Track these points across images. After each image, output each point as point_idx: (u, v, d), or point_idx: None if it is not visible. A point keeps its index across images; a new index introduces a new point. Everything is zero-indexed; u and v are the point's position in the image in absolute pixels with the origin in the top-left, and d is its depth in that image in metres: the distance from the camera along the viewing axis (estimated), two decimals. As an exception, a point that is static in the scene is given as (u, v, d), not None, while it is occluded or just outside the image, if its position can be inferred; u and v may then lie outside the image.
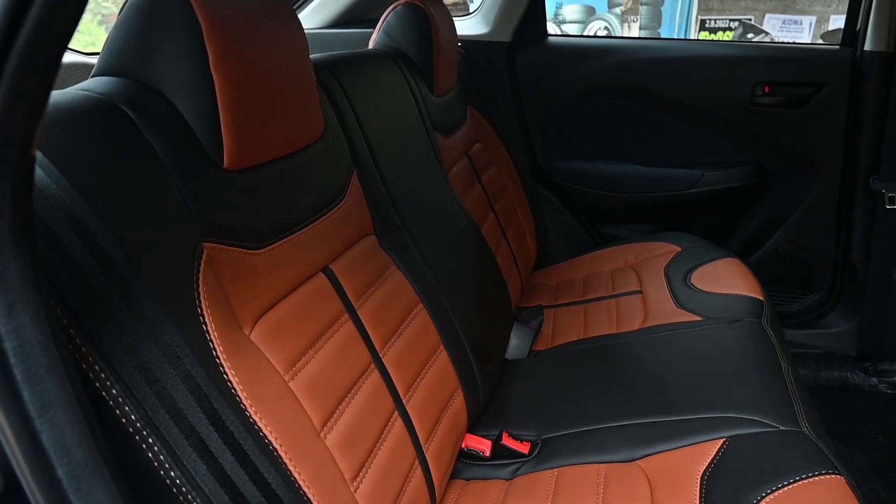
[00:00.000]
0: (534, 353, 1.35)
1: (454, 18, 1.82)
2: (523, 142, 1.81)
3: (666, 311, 1.34)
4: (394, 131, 1.07)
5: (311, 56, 0.97)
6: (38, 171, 0.47)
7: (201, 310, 0.56)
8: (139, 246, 0.51)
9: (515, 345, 1.35)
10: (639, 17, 4.85)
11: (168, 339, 0.51)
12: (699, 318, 1.26)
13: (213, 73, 0.61)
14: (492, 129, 1.65)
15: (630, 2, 4.77)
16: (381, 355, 0.82)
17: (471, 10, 1.84)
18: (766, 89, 1.67)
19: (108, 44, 0.62)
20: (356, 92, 0.98)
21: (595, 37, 1.80)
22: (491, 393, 1.12)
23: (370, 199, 0.94)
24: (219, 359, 0.56)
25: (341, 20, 1.70)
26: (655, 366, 1.15)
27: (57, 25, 0.31)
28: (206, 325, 0.56)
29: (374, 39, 1.31)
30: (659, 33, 4.90)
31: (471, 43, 1.73)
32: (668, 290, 1.42)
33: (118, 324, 0.48)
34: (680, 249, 1.61)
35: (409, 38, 1.26)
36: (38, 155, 0.47)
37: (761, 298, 1.30)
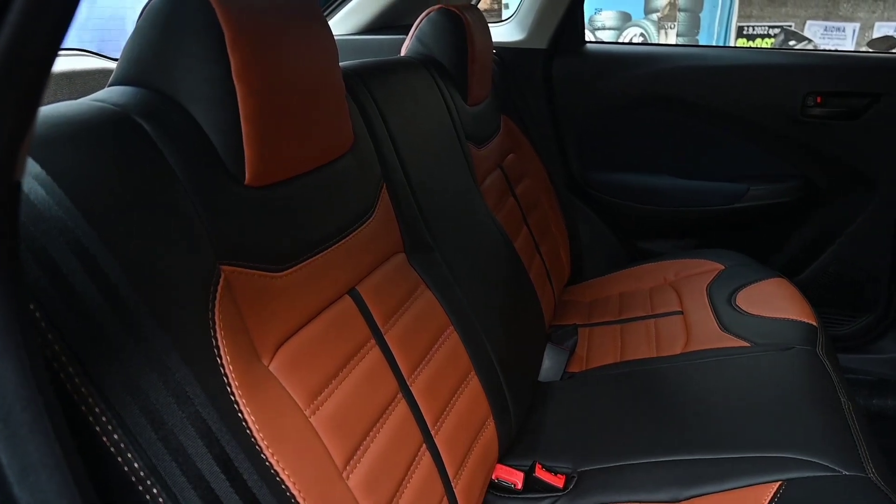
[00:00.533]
0: (567, 376, 1.29)
1: (493, 23, 1.77)
2: (558, 152, 1.74)
3: (710, 334, 1.26)
4: (426, 142, 1.02)
5: (343, 64, 0.93)
6: (40, 191, 0.43)
7: (216, 341, 0.51)
8: (149, 274, 0.47)
9: (548, 366, 1.29)
10: (676, 23, 4.74)
11: (178, 376, 0.46)
12: (746, 344, 1.18)
13: (236, 82, 0.57)
14: (526, 139, 1.59)
15: (668, 8, 4.66)
16: (408, 383, 0.77)
17: (504, 17, 1.78)
18: (818, 100, 1.58)
19: (126, 51, 0.58)
20: (387, 101, 0.94)
21: (635, 44, 1.72)
22: (523, 419, 1.06)
23: (400, 214, 0.89)
24: (234, 395, 0.51)
25: (373, 26, 1.66)
26: (700, 396, 1.07)
27: (42, 29, 0.27)
28: (220, 358, 0.51)
29: (407, 46, 1.26)
30: (697, 40, 4.77)
31: (505, 50, 1.67)
32: (711, 312, 1.34)
33: (122, 361, 0.43)
34: (723, 268, 1.53)
35: (443, 45, 1.21)
36: (41, 173, 0.43)
37: (815, 324, 1.22)
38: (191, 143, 0.55)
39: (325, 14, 1.56)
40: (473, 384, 0.91)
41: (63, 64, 1.26)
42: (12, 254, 0.30)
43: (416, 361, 0.79)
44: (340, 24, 1.63)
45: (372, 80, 0.92)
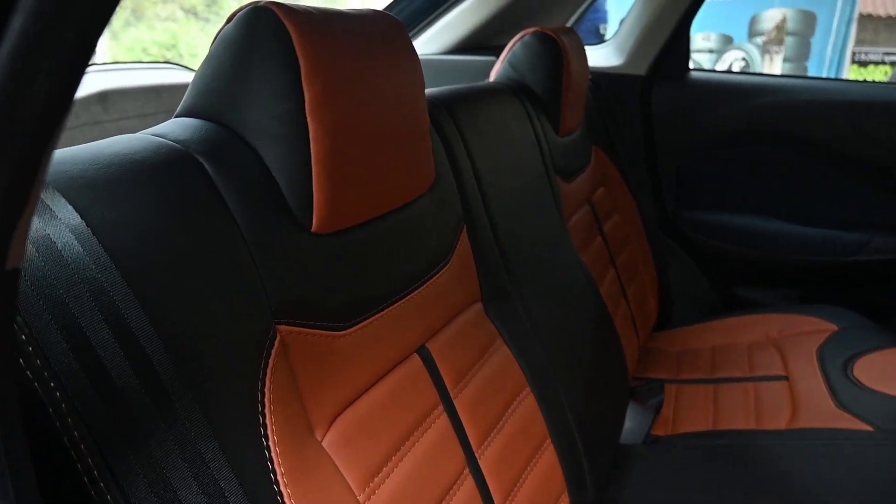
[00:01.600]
0: (651, 439, 1.16)
1: (589, 46, 1.67)
2: (652, 187, 1.61)
3: (822, 409, 1.10)
4: (512, 177, 0.94)
5: (428, 91, 0.86)
6: (75, 247, 0.37)
7: (263, 418, 0.45)
8: (193, 345, 0.41)
9: (631, 427, 1.16)
10: (783, 48, 4.42)
11: (214, 471, 0.39)
12: (868, 428, 1.02)
13: (309, 120, 0.50)
14: (617, 171, 1.47)
15: (775, 31, 4.37)
16: (477, 456, 0.68)
17: (603, 38, 1.68)
18: (962, 144, 1.39)
19: (196, 80, 0.53)
20: (473, 133, 0.86)
21: (745, 73, 1.58)
22: (601, 492, 0.95)
23: (480, 259, 0.80)
24: (278, 485, 0.44)
25: (463, 46, 1.59)
26: (809, 486, 0.93)
27: (61, 40, 0.19)
28: (266, 440, 0.44)
29: (497, 71, 1.18)
30: (806, 68, 4.44)
31: (601, 75, 1.57)
32: (823, 382, 1.18)
33: (148, 451, 0.37)
34: (836, 329, 1.35)
35: (537, 71, 1.13)
36: (79, 224, 0.38)
37: (955, 410, 1.04)
38: (255, 185, 0.49)
39: (413, 33, 1.51)
40: (548, 454, 0.81)
41: (151, 77, 1.26)
42: (8, 378, 0.24)
43: (486, 430, 0.70)
44: (429, 43, 1.58)
45: (459, 109, 0.84)
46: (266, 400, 0.45)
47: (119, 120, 1.15)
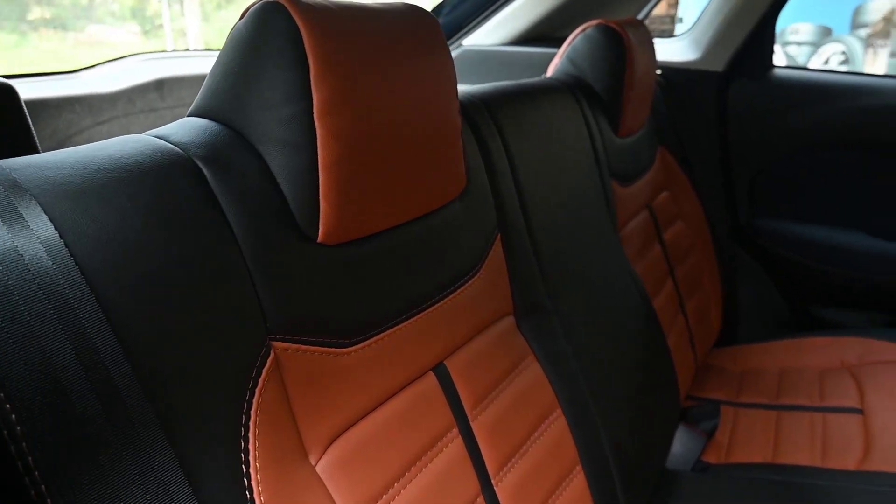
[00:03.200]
0: (702, 465, 1.08)
1: (658, 40, 1.57)
2: (724, 193, 1.50)
3: (899, 452, 0.99)
4: (559, 183, 0.88)
5: (468, 88, 0.81)
6: (44, 261, 0.35)
7: (246, 442, 0.42)
8: (167, 364, 0.38)
9: (679, 452, 1.09)
10: (889, 41, 4.03)
11: (178, 503, 0.37)
12: (954, 479, 0.91)
13: (317, 124, 0.47)
14: (685, 175, 1.37)
15: (882, 24, 3.99)
16: (494, 483, 0.63)
17: (676, 33, 1.57)
18: None
19: (207, 80, 0.51)
20: (516, 134, 0.81)
21: (837, 71, 1.43)
22: (637, 523, 0.89)
23: (514, 271, 0.75)
24: None
25: (528, 36, 1.52)
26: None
27: None
28: (247, 466, 0.42)
29: (555, 65, 1.12)
30: (915, 63, 4.05)
31: (674, 71, 1.46)
32: (904, 420, 1.06)
33: (107, 481, 0.35)
34: (926, 360, 1.21)
35: (598, 67, 1.05)
36: (52, 236, 0.36)
37: None
38: (256, 192, 0.47)
39: (475, 23, 1.46)
40: (577, 481, 0.75)
41: (208, 65, 1.27)
42: None
43: (507, 454, 0.66)
44: (491, 34, 1.52)
45: (500, 109, 0.79)
46: (251, 423, 0.43)
47: (175, 107, 1.17)
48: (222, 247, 0.44)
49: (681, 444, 1.09)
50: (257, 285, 0.45)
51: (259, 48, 0.47)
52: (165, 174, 0.43)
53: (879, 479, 0.94)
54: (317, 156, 0.48)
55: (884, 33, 4.17)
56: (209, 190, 0.44)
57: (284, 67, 0.46)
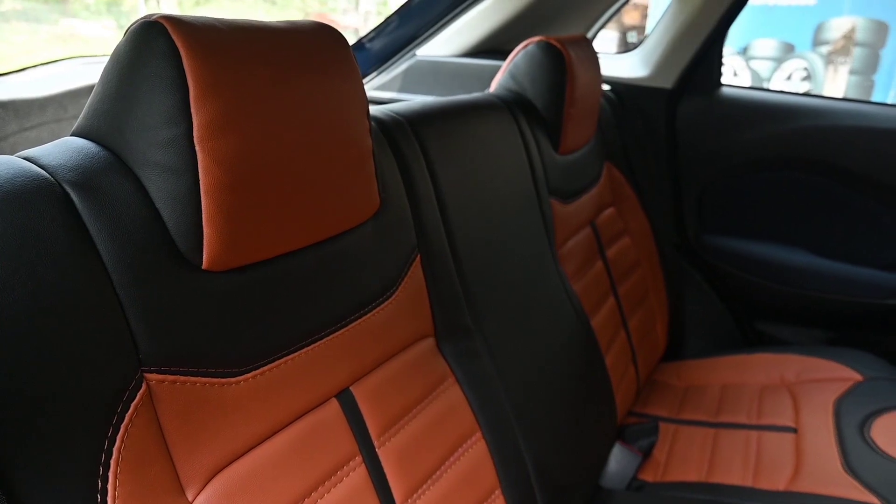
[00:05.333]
0: (637, 484, 1.08)
1: (608, 56, 1.58)
2: (672, 209, 1.51)
3: (827, 472, 1.00)
4: (489, 202, 0.87)
5: (393, 106, 0.80)
6: None
7: (104, 482, 0.40)
8: (13, 410, 0.37)
9: (615, 471, 1.09)
10: (850, 59, 4.12)
11: None
12: (876, 501, 0.92)
13: (198, 148, 0.45)
14: (632, 191, 1.38)
15: (842, 41, 4.08)
16: (400, 512, 0.62)
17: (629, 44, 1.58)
18: None
19: (90, 100, 0.49)
20: (443, 152, 0.80)
21: (784, 92, 1.46)
22: (564, 546, 0.88)
23: (436, 292, 0.74)
24: None
25: (481, 48, 1.52)
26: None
27: None
28: (103, 507, 0.40)
29: (498, 80, 1.12)
30: (873, 81, 4.14)
31: (623, 87, 1.47)
32: (835, 440, 1.07)
33: None
34: (861, 379, 1.23)
35: (538, 84, 1.05)
36: None
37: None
38: (131, 219, 0.45)
39: (428, 34, 1.45)
40: (496, 507, 0.74)
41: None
42: None
43: (418, 481, 0.65)
44: (445, 45, 1.51)
45: (426, 127, 0.78)
46: (112, 461, 0.41)
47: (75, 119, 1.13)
48: (88, 277, 0.42)
49: (616, 463, 1.09)
50: (129, 316, 0.44)
51: (137, 69, 0.45)
52: (25, 201, 0.41)
53: (805, 500, 0.94)
54: (198, 181, 0.46)
55: (844, 51, 4.27)
56: (77, 217, 0.42)
57: (163, 90, 0.44)
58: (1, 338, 0.37)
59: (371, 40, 1.48)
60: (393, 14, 1.47)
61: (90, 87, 1.10)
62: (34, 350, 0.38)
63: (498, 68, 1.34)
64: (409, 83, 1.50)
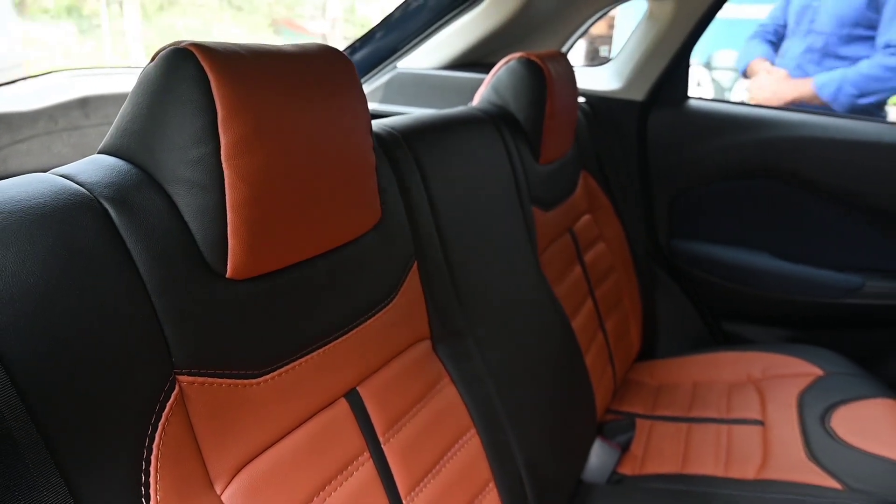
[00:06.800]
0: (616, 478, 1.14)
1: (583, 69, 1.65)
2: (644, 216, 1.58)
3: (792, 461, 1.07)
4: (477, 210, 0.92)
5: (387, 121, 0.85)
6: None
7: (147, 476, 0.44)
8: (66, 412, 0.40)
9: (595, 465, 1.14)
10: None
11: None
12: (837, 486, 0.99)
13: (224, 166, 0.49)
14: (607, 199, 1.45)
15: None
16: (405, 504, 0.66)
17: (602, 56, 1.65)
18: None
19: (118, 119, 0.52)
20: (434, 165, 0.84)
21: (748, 104, 1.54)
22: (551, 536, 0.93)
23: (431, 298, 0.79)
24: None
25: (461, 61, 1.57)
26: (768, 544, 0.90)
27: None
28: (147, 500, 0.43)
29: (481, 93, 1.17)
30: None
31: (598, 99, 1.54)
32: (799, 430, 1.14)
33: None
34: (821, 373, 1.31)
35: (520, 98, 1.10)
36: None
37: (930, 474, 1.00)
38: (163, 232, 0.48)
39: (409, 46, 1.50)
40: (490, 499, 0.79)
41: (129, 83, 1.26)
42: None
43: (419, 475, 0.69)
44: (426, 57, 1.56)
45: (418, 140, 0.83)
46: (153, 458, 0.44)
47: (100, 125, 1.15)
48: (126, 286, 0.45)
49: (597, 458, 1.14)
50: (163, 322, 0.47)
51: (168, 92, 0.49)
52: (68, 216, 0.44)
53: (773, 487, 1.01)
54: (224, 196, 0.50)
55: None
56: (115, 231, 0.46)
57: (193, 112, 0.48)
58: (59, 343, 0.40)
59: (352, 52, 1.52)
60: (374, 27, 1.52)
61: (80, 100, 1.12)
62: (86, 354, 0.41)
63: (477, 81, 1.40)
64: (390, 95, 1.54)
